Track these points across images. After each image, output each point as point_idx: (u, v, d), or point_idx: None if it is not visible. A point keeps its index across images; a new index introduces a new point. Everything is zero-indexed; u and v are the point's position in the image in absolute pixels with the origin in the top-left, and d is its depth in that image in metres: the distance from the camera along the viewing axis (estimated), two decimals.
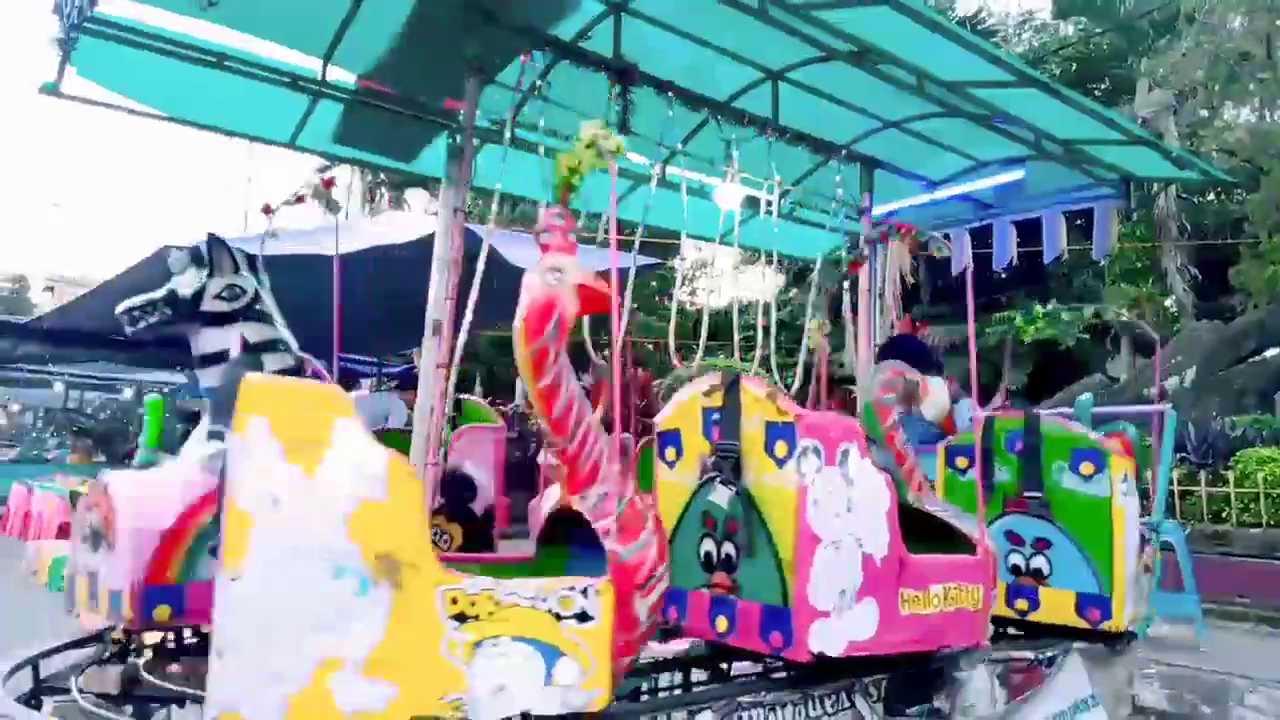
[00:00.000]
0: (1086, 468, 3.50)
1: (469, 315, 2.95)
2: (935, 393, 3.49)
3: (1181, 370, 13.50)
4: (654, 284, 21.03)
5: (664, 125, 3.51)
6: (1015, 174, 4.76)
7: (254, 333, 2.77)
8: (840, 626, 2.56)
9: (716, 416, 2.77)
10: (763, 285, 3.98)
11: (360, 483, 1.84)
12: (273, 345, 2.79)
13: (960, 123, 4.14)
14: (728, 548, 2.74)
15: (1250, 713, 5.61)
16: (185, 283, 2.75)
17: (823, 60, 3.70)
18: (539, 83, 3.27)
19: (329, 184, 3.15)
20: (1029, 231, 5.10)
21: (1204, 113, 19.64)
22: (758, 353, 3.88)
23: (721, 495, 2.69)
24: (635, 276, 4.44)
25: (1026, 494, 3.64)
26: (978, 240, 5.26)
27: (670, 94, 3.50)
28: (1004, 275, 7.97)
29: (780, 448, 2.58)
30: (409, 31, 3.27)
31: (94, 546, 2.63)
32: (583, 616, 2.06)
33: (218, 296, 2.74)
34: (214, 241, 2.81)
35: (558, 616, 2.04)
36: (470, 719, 1.90)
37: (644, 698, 3.08)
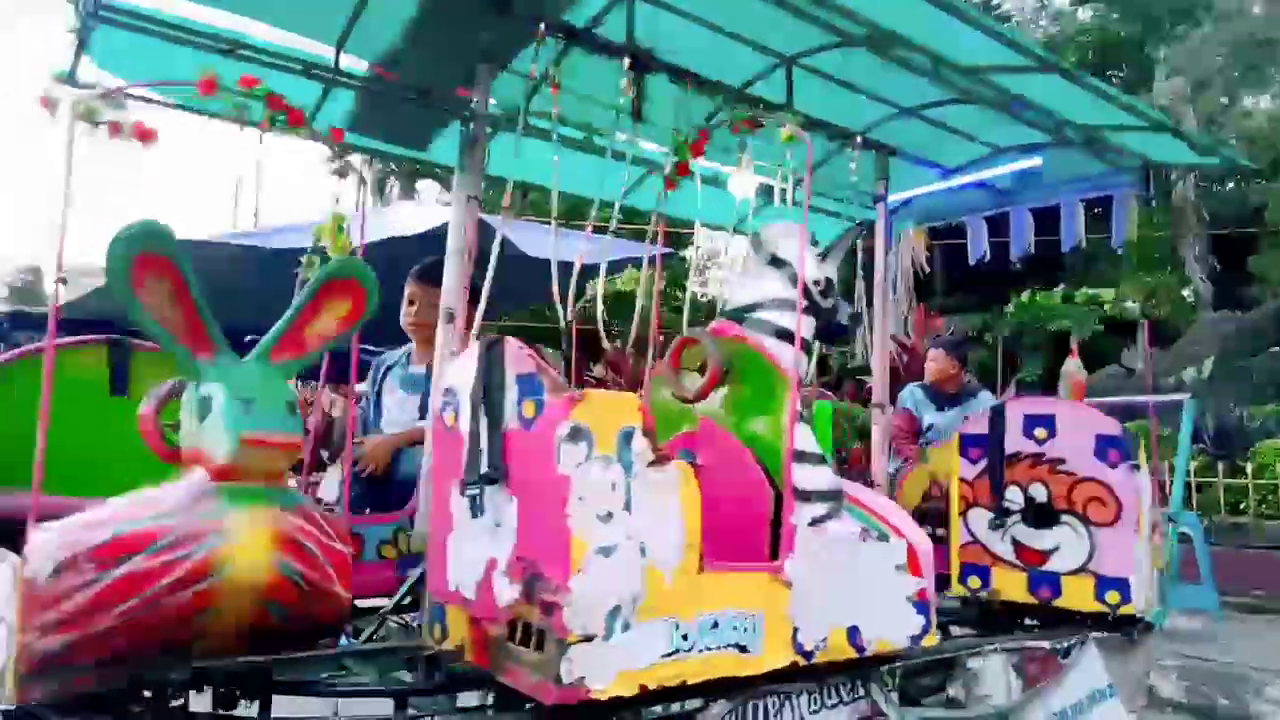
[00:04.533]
0: None
1: (483, 304, 2.94)
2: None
3: (1199, 361, 13.37)
4: (664, 274, 20.97)
5: (678, 112, 3.47)
6: (1033, 161, 4.70)
7: None
8: None
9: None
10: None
11: None
12: None
13: (977, 109, 4.09)
14: None
15: (1267, 705, 5.57)
16: None
17: (838, 46, 3.66)
18: (551, 70, 3.25)
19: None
20: (1046, 220, 5.04)
21: (1223, 100, 19.40)
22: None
23: None
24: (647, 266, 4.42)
25: None
26: (994, 229, 5.20)
27: (685, 80, 3.47)
28: (1020, 265, 7.91)
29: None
30: (422, 18, 3.25)
31: None
32: None
33: None
34: None
35: None
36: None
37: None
